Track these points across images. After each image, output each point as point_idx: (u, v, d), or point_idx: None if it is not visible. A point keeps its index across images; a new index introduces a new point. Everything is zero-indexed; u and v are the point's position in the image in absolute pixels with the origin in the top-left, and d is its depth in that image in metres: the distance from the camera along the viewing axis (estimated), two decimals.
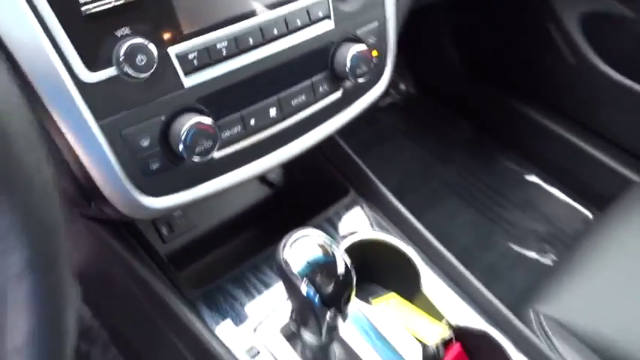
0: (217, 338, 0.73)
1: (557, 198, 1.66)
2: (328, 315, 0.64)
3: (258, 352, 0.74)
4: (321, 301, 0.61)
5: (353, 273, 0.63)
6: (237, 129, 0.66)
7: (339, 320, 0.65)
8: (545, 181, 1.69)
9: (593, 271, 1.02)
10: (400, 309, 0.86)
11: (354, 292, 0.65)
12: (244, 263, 0.82)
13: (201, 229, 0.94)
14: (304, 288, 0.60)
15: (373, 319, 0.80)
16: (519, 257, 1.55)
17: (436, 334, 0.81)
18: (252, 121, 0.67)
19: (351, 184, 0.95)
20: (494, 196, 1.69)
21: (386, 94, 2.15)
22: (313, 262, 0.62)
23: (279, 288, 0.80)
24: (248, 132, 0.67)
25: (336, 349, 0.78)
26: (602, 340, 0.92)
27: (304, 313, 0.64)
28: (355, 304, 0.80)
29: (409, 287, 0.88)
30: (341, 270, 0.62)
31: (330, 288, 0.62)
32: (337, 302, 0.63)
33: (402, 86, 1.95)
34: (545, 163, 1.67)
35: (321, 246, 0.63)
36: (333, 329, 0.66)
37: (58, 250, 0.33)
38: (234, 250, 0.92)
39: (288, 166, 1.02)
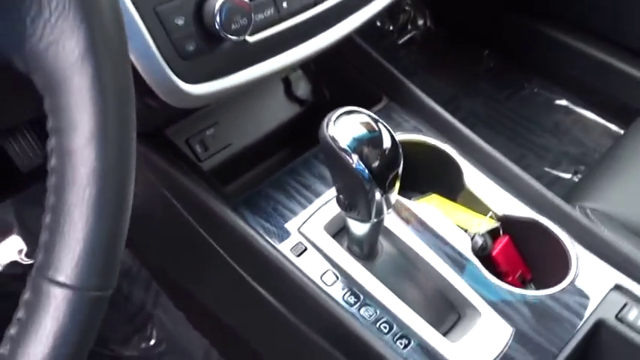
0: (263, 237, 0.73)
1: (587, 118, 1.61)
2: (377, 195, 0.63)
3: (305, 249, 0.73)
4: (371, 175, 0.60)
5: (400, 149, 0.62)
6: (270, 11, 0.64)
7: (385, 208, 0.64)
8: (574, 103, 1.65)
9: (633, 168, 1.00)
10: (444, 206, 0.84)
11: (400, 171, 0.64)
12: (283, 169, 0.81)
13: (236, 147, 0.93)
14: (354, 160, 0.59)
15: (419, 213, 0.79)
16: (555, 179, 1.53)
17: (483, 223, 0.79)
18: (285, 4, 0.65)
19: (384, 90, 0.93)
20: (524, 122, 1.65)
21: (404, 30, 2.08)
22: (360, 136, 0.60)
23: (320, 189, 0.80)
24: (282, 15, 0.65)
25: (383, 243, 0.77)
26: None
27: (352, 192, 0.63)
28: (399, 201, 0.79)
29: (451, 187, 0.86)
30: (387, 144, 0.61)
31: (378, 161, 0.61)
32: (385, 178, 0.62)
33: (420, 21, 1.91)
34: (573, 84, 1.63)
35: (366, 122, 0.62)
36: (380, 214, 0.64)
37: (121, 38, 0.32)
38: (271, 164, 0.91)
39: (317, 81, 1.01)
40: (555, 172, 1.55)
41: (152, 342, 1.13)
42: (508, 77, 1.76)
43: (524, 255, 0.82)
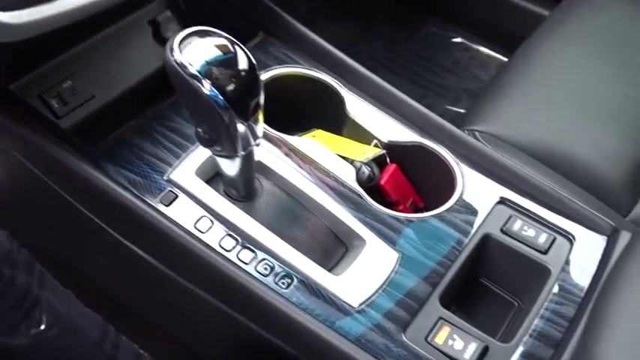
0: (128, 190, 0.66)
1: (483, 54, 1.62)
2: (238, 125, 0.57)
3: (175, 197, 0.66)
4: (226, 101, 0.54)
5: (257, 71, 0.57)
6: None
7: (252, 140, 0.58)
8: (470, 40, 1.65)
9: (519, 91, 1.00)
10: (328, 140, 0.80)
11: (262, 99, 0.58)
12: (146, 112, 0.74)
13: (100, 100, 0.84)
14: (206, 86, 0.53)
15: (300, 148, 0.74)
16: (456, 116, 1.53)
17: (368, 152, 0.76)
18: None
19: (260, 25, 0.87)
20: (424, 63, 1.64)
21: None
22: (211, 59, 0.54)
23: (190, 132, 0.72)
24: None
25: (263, 183, 0.72)
26: (542, 146, 0.89)
27: (210, 123, 0.56)
28: (279, 137, 0.74)
29: (335, 120, 0.82)
30: (243, 65, 0.55)
31: (233, 86, 0.55)
32: (245, 106, 0.56)
33: None
34: (467, 20, 1.63)
35: (219, 43, 0.55)
36: (246, 147, 0.59)
37: None
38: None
39: (187, 22, 0.93)
40: (456, 109, 1.55)
41: (42, 327, 1.04)
42: (406, 20, 1.74)
43: (413, 182, 0.79)
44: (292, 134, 0.77)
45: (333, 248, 0.68)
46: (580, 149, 0.91)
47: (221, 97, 0.54)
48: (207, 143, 0.59)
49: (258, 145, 0.61)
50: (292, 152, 0.73)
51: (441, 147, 0.75)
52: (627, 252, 0.55)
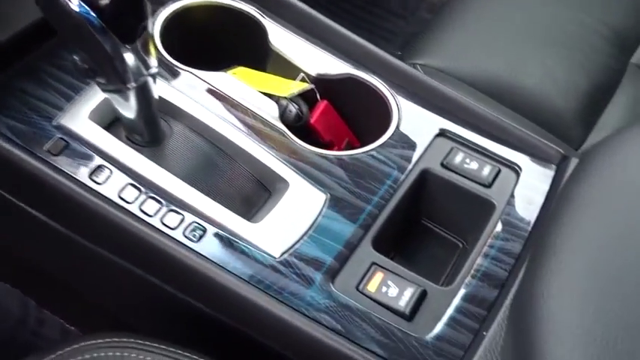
0: (12, 141, 0.56)
1: None
2: (121, 50, 0.48)
3: (66, 145, 0.57)
4: (100, 19, 0.45)
5: None
6: None
7: (142, 68, 0.50)
8: None
9: (463, 23, 0.93)
10: (249, 76, 0.71)
11: (149, 20, 0.49)
12: (33, 53, 0.64)
13: None
14: (74, 2, 0.44)
15: (217, 85, 0.65)
16: None
17: (292, 87, 0.68)
18: None
19: None
20: (368, 6, 1.56)
21: None
22: None
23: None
24: None
25: (173, 125, 0.63)
26: (487, 78, 0.83)
27: (86, 48, 0.47)
28: (192, 73, 0.65)
29: (258, 55, 0.73)
30: None
31: (107, 1, 0.46)
32: (125, 25, 0.47)
33: None
34: None
35: None
36: (137, 77, 0.50)
37: None
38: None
39: None
40: None
41: None
42: None
43: (348, 120, 0.72)
44: (214, 69, 0.68)
45: (255, 194, 0.60)
46: (528, 80, 0.85)
47: (94, 15, 0.45)
48: (87, 74, 0.50)
49: (152, 75, 0.52)
50: (206, 91, 0.64)
51: (375, 78, 0.67)
52: (574, 177, 0.49)
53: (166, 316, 0.65)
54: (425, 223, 0.65)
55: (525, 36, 0.89)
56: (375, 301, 0.51)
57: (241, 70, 0.72)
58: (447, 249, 0.63)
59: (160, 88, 0.61)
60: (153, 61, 0.52)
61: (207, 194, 0.56)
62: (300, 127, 0.70)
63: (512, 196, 0.59)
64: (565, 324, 0.37)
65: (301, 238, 0.54)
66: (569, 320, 0.37)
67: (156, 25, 0.67)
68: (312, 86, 0.68)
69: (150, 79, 0.53)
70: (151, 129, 0.58)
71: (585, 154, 0.51)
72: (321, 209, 0.56)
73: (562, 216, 0.41)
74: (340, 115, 0.73)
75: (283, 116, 0.70)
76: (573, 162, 0.59)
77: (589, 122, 0.86)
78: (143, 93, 0.53)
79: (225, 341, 0.59)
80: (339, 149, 0.71)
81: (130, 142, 0.59)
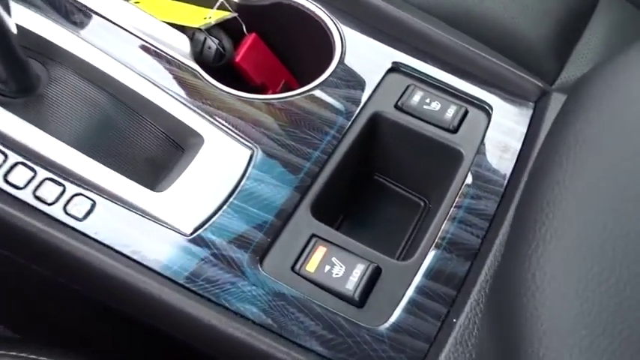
0: None
1: None
2: None
3: None
4: None
5: None
6: None
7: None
8: None
9: None
10: (157, 4, 0.57)
11: None
12: None
13: None
14: None
15: (111, 15, 0.52)
16: None
17: (211, 16, 0.55)
18: None
19: None
20: None
21: None
22: None
23: None
24: None
25: (51, 69, 0.49)
26: (449, 6, 0.69)
27: None
28: (73, 2, 0.51)
29: None
30: None
31: None
32: None
33: None
34: None
35: None
36: None
37: None
38: None
39: None
40: None
41: None
42: None
43: (283, 56, 0.59)
44: None
45: (163, 155, 0.47)
46: (494, 6, 0.74)
47: None
48: None
49: None
50: (97, 24, 0.50)
51: (313, 2, 0.55)
52: (564, 115, 0.39)
53: (75, 312, 0.53)
54: (378, 179, 0.53)
55: None
56: (315, 284, 0.39)
57: None
58: (405, 211, 0.51)
59: (30, 19, 0.47)
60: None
61: (98, 157, 0.44)
62: (223, 67, 0.57)
63: (482, 142, 0.48)
64: (563, 315, 0.27)
65: (220, 208, 0.42)
66: (568, 310, 0.27)
67: None
68: (235, 15, 0.55)
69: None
70: (14, 73, 0.44)
71: (576, 85, 0.41)
72: (245, 169, 0.44)
73: (553, 168, 0.31)
74: (274, 51, 0.60)
75: (202, 54, 0.57)
76: (555, 98, 0.49)
77: (562, 53, 0.76)
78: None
79: (149, 343, 0.48)
80: (274, 93, 0.59)
81: None
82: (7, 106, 0.44)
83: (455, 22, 0.71)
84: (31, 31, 0.47)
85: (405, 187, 0.53)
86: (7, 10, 0.41)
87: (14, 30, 0.42)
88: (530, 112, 0.50)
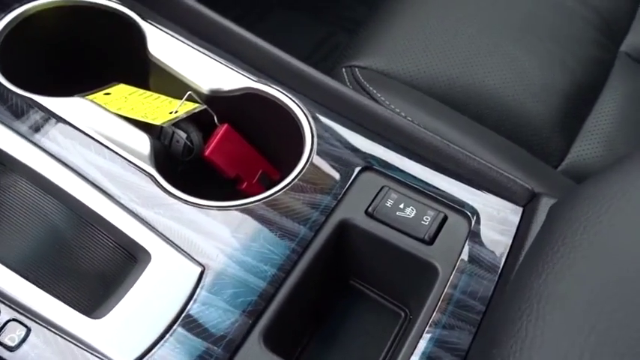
0: None
1: None
2: None
3: None
4: None
5: None
6: None
7: None
8: None
9: (414, 13, 0.74)
10: (118, 99, 0.55)
11: None
12: None
13: None
14: None
15: (64, 114, 0.49)
16: None
17: (178, 108, 0.52)
18: None
19: None
20: None
21: None
22: None
23: None
24: None
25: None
26: (443, 83, 0.66)
27: None
28: (26, 99, 0.49)
29: (137, 67, 0.57)
30: None
31: None
32: None
33: None
34: None
35: None
36: None
37: None
38: None
39: None
40: None
41: None
42: None
43: (260, 144, 0.56)
44: (81, 91, 0.52)
45: (114, 268, 0.44)
46: (492, 81, 0.68)
47: None
48: None
49: None
50: (52, 126, 0.48)
51: (281, 91, 0.51)
52: (549, 226, 0.33)
53: None
54: (355, 284, 0.49)
55: (490, 27, 0.72)
56: None
57: (120, 89, 0.56)
58: (385, 320, 0.47)
59: None
60: None
61: (43, 273, 0.41)
62: (194, 161, 0.54)
63: (461, 256, 0.44)
64: None
65: (162, 337, 0.38)
66: None
67: None
68: (204, 106, 0.53)
69: None
70: None
71: (558, 203, 0.35)
72: (193, 291, 0.40)
73: (539, 290, 0.26)
74: (250, 141, 0.57)
75: (171, 147, 0.54)
76: (543, 203, 0.44)
77: (571, 130, 0.70)
78: None
79: None
80: (250, 184, 0.56)
81: None
82: None
83: (453, 103, 0.68)
84: None
85: (384, 294, 0.48)
86: None
87: None
88: (517, 218, 0.45)
